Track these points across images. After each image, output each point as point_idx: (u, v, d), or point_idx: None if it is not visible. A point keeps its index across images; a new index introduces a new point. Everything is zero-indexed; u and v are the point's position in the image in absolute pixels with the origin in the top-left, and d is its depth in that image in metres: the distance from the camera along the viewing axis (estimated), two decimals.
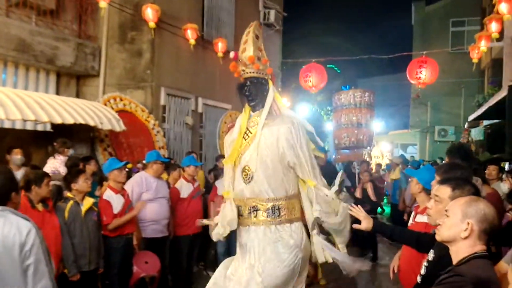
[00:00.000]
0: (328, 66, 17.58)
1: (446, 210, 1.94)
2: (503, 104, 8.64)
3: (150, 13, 7.65)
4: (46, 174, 4.05)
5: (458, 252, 1.85)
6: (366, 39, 43.60)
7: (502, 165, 8.84)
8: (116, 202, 4.60)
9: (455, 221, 1.86)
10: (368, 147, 9.65)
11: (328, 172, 4.48)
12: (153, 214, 5.13)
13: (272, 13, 11.95)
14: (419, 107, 20.05)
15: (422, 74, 9.26)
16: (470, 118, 11.65)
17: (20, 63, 7.13)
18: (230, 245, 6.05)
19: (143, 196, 5.08)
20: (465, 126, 15.21)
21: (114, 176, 4.67)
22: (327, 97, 18.22)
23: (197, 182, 6.05)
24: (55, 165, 5.48)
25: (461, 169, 2.77)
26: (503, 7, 7.27)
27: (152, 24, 7.69)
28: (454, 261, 1.87)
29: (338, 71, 25.50)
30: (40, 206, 3.88)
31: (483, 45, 9.15)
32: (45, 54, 7.12)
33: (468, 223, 1.82)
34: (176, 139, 8.69)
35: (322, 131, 19.30)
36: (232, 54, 8.76)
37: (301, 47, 21.23)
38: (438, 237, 1.95)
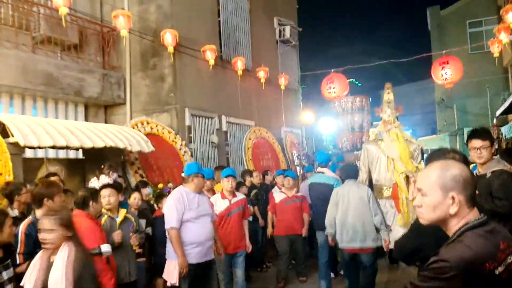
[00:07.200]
0: (348, 80, 17.63)
1: (419, 189, 1.66)
2: None
3: (169, 37, 7.88)
4: (98, 190, 4.25)
5: (452, 229, 1.61)
6: (383, 49, 43.42)
7: None
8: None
9: (437, 198, 1.60)
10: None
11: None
12: (196, 236, 4.33)
13: (287, 29, 12.11)
14: (445, 111, 19.66)
15: (447, 74, 9.22)
16: (498, 113, 11.37)
17: (49, 97, 7.45)
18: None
19: (185, 215, 4.32)
20: (494, 122, 14.77)
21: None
22: None
23: (240, 197, 5.46)
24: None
25: None
26: None
27: (171, 49, 7.90)
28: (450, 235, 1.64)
29: (359, 84, 25.42)
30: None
31: (503, 37, 9.01)
32: (72, 86, 7.41)
33: (452, 197, 1.58)
34: (203, 158, 8.79)
35: None
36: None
37: (318, 60, 21.41)
38: (423, 221, 1.68)
